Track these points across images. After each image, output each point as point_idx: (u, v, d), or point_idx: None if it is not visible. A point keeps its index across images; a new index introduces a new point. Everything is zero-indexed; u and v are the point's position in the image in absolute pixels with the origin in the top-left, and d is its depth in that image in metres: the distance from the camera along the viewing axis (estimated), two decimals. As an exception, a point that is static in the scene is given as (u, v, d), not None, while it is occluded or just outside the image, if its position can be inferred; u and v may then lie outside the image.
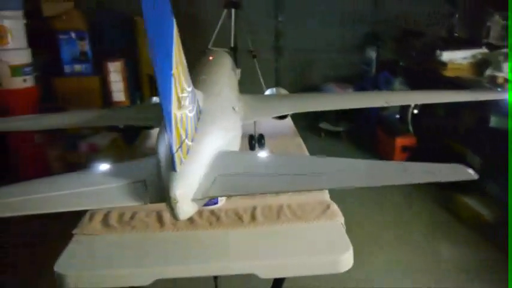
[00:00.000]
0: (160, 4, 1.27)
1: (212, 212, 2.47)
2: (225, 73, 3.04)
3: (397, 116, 6.70)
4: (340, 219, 2.36)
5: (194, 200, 1.49)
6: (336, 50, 8.26)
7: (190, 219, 2.41)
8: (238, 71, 6.67)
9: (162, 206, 1.88)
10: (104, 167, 1.67)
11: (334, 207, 2.46)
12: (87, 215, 2.45)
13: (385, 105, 2.84)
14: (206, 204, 2.52)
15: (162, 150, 1.60)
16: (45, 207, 1.47)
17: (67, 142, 6.07)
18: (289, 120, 4.09)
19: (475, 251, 4.17)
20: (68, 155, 5.97)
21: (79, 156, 6.00)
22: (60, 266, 2.04)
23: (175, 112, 1.42)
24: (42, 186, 1.56)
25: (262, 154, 1.75)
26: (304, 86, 8.73)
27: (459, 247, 4.30)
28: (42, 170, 5.85)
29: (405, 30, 7.36)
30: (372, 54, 7.60)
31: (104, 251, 2.21)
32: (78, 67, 6.71)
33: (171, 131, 1.38)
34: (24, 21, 5.63)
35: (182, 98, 1.48)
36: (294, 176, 1.54)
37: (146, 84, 7.99)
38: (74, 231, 2.33)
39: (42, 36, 6.28)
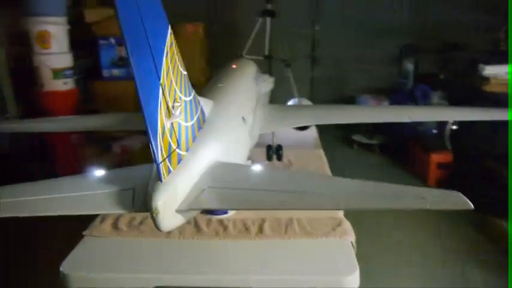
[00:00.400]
0: (146, 14, 1.26)
1: (220, 222, 2.45)
2: (243, 82, 3.02)
3: (434, 131, 6.41)
4: (351, 238, 2.26)
5: (179, 211, 1.47)
6: (372, 61, 8.06)
7: (198, 228, 2.41)
8: (272, 79, 6.68)
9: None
10: (99, 172, 1.69)
11: (346, 225, 2.37)
12: (99, 217, 2.50)
13: (408, 120, 2.71)
14: (216, 214, 2.52)
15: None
16: (32, 211, 1.50)
17: (101, 143, 6.27)
18: (313, 131, 4.02)
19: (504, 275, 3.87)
20: (101, 155, 6.16)
21: (112, 157, 6.18)
22: (66, 266, 2.09)
23: (164, 122, 1.41)
24: (33, 189, 1.59)
25: (257, 168, 1.70)
26: (339, 97, 8.57)
27: (490, 271, 4.00)
28: (77, 169, 6.07)
29: (446, 43, 7.06)
30: (410, 66, 7.34)
31: (110, 254, 2.24)
32: (116, 71, 6.95)
33: (155, 141, 1.37)
34: (67, 27, 5.89)
35: (174, 108, 1.46)
36: (284, 194, 1.48)
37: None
38: (84, 233, 2.39)
39: (83, 42, 6.56)
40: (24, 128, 3.83)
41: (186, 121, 1.62)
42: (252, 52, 7.09)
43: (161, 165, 1.41)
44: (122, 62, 6.95)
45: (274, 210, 2.42)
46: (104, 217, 2.49)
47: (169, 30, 1.48)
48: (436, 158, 6.05)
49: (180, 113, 1.50)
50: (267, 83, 5.35)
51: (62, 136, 6.23)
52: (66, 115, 5.52)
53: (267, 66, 7.50)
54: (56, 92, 6.07)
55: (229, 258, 2.16)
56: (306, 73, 9.09)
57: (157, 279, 2.01)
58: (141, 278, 2.03)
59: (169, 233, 2.36)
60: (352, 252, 2.14)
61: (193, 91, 1.78)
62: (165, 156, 1.42)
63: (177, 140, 1.52)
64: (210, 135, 1.81)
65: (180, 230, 2.38)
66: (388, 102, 7.37)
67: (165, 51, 1.42)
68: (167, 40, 1.45)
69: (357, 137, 7.81)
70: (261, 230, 2.35)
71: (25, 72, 6.05)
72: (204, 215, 2.50)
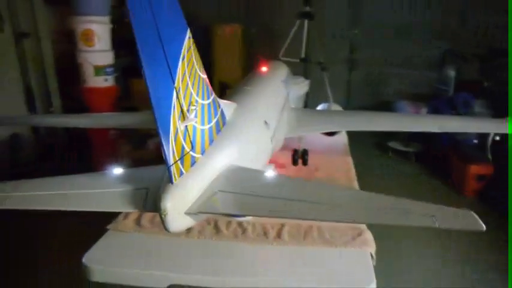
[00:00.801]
0: (161, 19, 1.28)
1: (240, 224, 2.46)
2: (271, 85, 3.01)
3: (475, 141, 6.12)
4: (371, 249, 2.20)
5: (188, 213, 1.48)
6: (412, 66, 7.82)
7: (217, 229, 2.43)
8: (307, 82, 6.63)
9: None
10: (117, 171, 1.74)
11: (367, 235, 2.31)
12: (123, 213, 2.57)
13: (438, 131, 2.61)
14: (236, 216, 2.52)
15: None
16: (49, 204, 1.57)
17: (137, 140, 6.46)
18: (343, 137, 3.95)
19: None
20: (136, 151, 6.34)
21: (146, 154, 6.35)
22: (88, 258, 2.16)
23: (178, 124, 1.42)
24: (48, 184, 1.66)
25: (270, 174, 1.68)
26: (375, 102, 8.38)
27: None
28: (112, 163, 6.28)
29: (493, 49, 6.71)
30: (451, 72, 7.03)
31: (130, 249, 2.30)
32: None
33: (167, 144, 1.39)
34: (110, 26, 6.11)
35: (190, 111, 1.47)
36: (292, 203, 1.45)
37: (217, 90, 8.26)
38: (108, 226, 2.47)
39: (124, 40, 6.78)
40: (63, 122, 4.02)
41: (203, 124, 1.63)
42: (289, 54, 7.09)
43: (172, 168, 1.43)
44: (160, 61, 7.12)
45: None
46: (127, 213, 2.56)
47: (188, 35, 1.49)
48: (475, 169, 5.76)
49: (195, 116, 1.52)
50: (301, 86, 5.31)
51: (100, 131, 6.46)
52: (105, 111, 5.75)
53: (303, 69, 7.49)
54: (96, 88, 6.31)
55: (245, 262, 2.16)
56: (343, 77, 8.96)
57: (173, 278, 2.05)
58: (157, 276, 2.08)
59: (188, 232, 2.40)
60: (371, 264, 2.08)
61: (213, 94, 1.79)
62: (177, 159, 1.44)
63: (191, 143, 1.53)
64: (229, 139, 1.81)
65: (200, 229, 2.41)
66: (425, 110, 7.10)
67: (182, 55, 1.44)
68: (184, 44, 1.46)
69: (392, 144, 7.59)
70: (279, 235, 2.33)
71: (69, 69, 6.35)
72: (225, 217, 2.51)
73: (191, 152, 1.54)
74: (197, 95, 1.56)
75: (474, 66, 6.92)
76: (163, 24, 1.30)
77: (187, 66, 1.48)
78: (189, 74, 1.49)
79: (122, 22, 6.72)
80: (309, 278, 2.01)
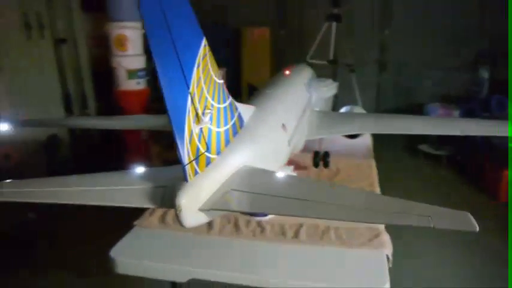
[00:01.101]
0: (175, 29, 1.36)
1: (259, 224, 2.53)
2: (292, 89, 3.06)
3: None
4: (387, 250, 2.22)
5: (202, 210, 1.56)
6: (445, 67, 7.63)
7: (237, 227, 2.51)
8: (335, 84, 6.62)
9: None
10: (140, 169, 1.85)
11: (385, 237, 2.32)
12: (149, 210, 2.70)
13: (460, 134, 2.58)
14: (256, 215, 2.60)
15: None
16: (76, 199, 1.70)
17: (166, 141, 6.65)
18: (367, 139, 3.95)
19: None
20: (165, 152, 6.53)
21: (174, 154, 6.52)
22: (116, 251, 2.30)
23: (192, 127, 1.51)
24: (77, 181, 1.80)
25: (280, 175, 1.74)
26: (406, 104, 8.24)
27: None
28: (143, 163, 6.52)
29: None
30: (485, 73, 6.82)
31: (154, 245, 2.42)
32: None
33: (182, 145, 1.48)
34: (142, 31, 6.34)
35: (205, 114, 1.56)
36: (298, 202, 1.51)
37: (246, 92, 8.38)
38: (134, 223, 2.60)
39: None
40: (96, 124, 4.23)
41: (219, 126, 1.71)
42: (317, 57, 7.10)
43: (187, 167, 1.52)
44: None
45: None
46: (153, 210, 2.69)
47: (203, 43, 1.57)
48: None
49: (210, 120, 1.60)
50: (329, 88, 5.33)
51: (133, 133, 6.71)
52: (137, 113, 5.97)
53: (331, 71, 7.48)
54: (129, 91, 6.57)
55: (262, 260, 2.23)
56: (373, 79, 8.85)
57: (193, 272, 2.14)
58: (178, 270, 2.18)
59: (210, 229, 2.50)
60: (385, 265, 2.10)
61: (230, 98, 1.87)
62: (192, 159, 1.53)
63: (206, 144, 1.62)
64: (244, 141, 1.89)
65: (220, 228, 2.50)
66: (458, 112, 6.92)
67: (197, 62, 1.52)
68: (199, 52, 1.55)
69: (423, 147, 7.44)
70: (297, 235, 2.38)
71: (104, 73, 6.64)
72: (245, 216, 2.59)
73: (206, 153, 1.62)
74: (212, 99, 1.64)
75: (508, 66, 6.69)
76: (178, 34, 1.39)
77: (203, 72, 1.57)
78: (204, 80, 1.58)
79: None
80: (323, 277, 2.06)
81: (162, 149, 6.66)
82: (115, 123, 3.79)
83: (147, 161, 6.67)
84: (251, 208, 1.63)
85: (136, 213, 2.71)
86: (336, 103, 6.94)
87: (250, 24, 8.62)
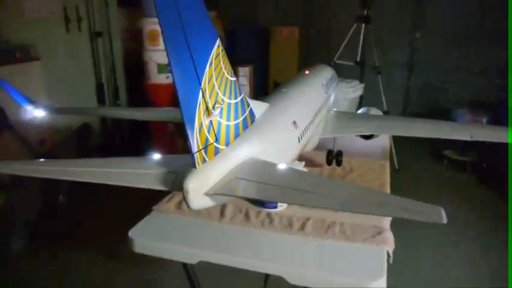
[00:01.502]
0: (189, 30, 1.51)
1: (268, 215, 2.66)
2: (308, 88, 3.17)
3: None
4: (388, 247, 2.30)
5: (208, 194, 1.72)
6: (475, 72, 7.50)
7: (247, 217, 2.66)
8: (361, 85, 6.66)
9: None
10: (156, 156, 2.03)
11: (387, 234, 2.40)
12: (168, 196, 2.89)
13: (470, 139, 2.61)
14: (267, 206, 2.74)
15: None
16: (98, 178, 1.89)
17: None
18: (385, 140, 3.99)
19: None
20: (187, 144, 6.74)
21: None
22: (134, 232, 2.49)
23: (202, 119, 1.66)
24: (101, 162, 1.99)
25: (282, 166, 1.87)
26: (434, 108, 8.13)
27: None
28: (168, 151, 6.78)
29: None
30: (514, 80, 6.66)
31: (170, 228, 2.60)
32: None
33: (192, 135, 1.63)
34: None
35: (215, 108, 1.71)
36: (291, 191, 1.65)
37: (272, 89, 8.50)
38: (153, 207, 2.79)
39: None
40: (125, 115, 4.47)
41: (229, 120, 1.86)
42: (346, 57, 7.14)
43: (196, 155, 1.68)
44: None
45: (320, 209, 2.53)
46: (171, 197, 2.87)
47: (217, 44, 1.72)
48: (533, 183, 5.46)
49: (219, 113, 1.75)
50: (355, 89, 5.39)
51: (160, 125, 6.96)
52: (165, 106, 6.20)
53: (359, 72, 7.50)
54: (158, 84, 6.84)
55: (268, 248, 2.37)
56: (402, 81, 8.79)
57: (202, 255, 2.30)
58: (189, 252, 2.35)
59: (222, 217, 2.66)
60: (384, 260, 2.18)
61: (242, 94, 2.01)
62: (200, 148, 1.69)
63: (215, 135, 1.77)
64: (253, 134, 2.03)
65: (232, 216, 2.65)
66: (486, 119, 6.81)
67: (209, 61, 1.67)
68: (213, 52, 1.69)
69: (447, 153, 7.36)
70: (303, 227, 2.50)
71: (136, 66, 6.93)
72: (256, 207, 2.73)
73: (215, 143, 1.77)
74: (224, 95, 1.79)
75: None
76: (192, 35, 1.53)
77: (215, 70, 1.71)
78: (216, 77, 1.72)
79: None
80: (324, 266, 2.17)
81: (185, 141, 6.86)
82: (144, 114, 4.00)
83: (172, 151, 6.89)
84: (252, 194, 1.77)
85: (156, 198, 2.90)
86: (361, 103, 6.98)
87: (279, 23, 8.72)
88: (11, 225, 4.73)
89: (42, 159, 2.05)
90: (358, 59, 7.10)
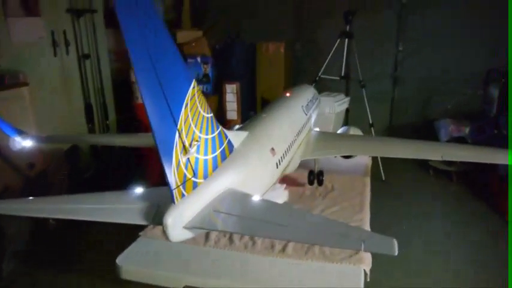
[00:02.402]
0: (164, 76, 1.60)
1: (251, 238, 2.76)
2: (287, 112, 3.28)
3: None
4: (365, 266, 2.40)
5: (187, 228, 1.81)
6: (457, 83, 7.69)
7: (231, 240, 2.75)
8: (347, 99, 6.80)
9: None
10: (138, 189, 2.11)
11: (364, 254, 2.51)
12: (154, 222, 2.97)
13: (441, 159, 2.73)
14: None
15: None
16: (82, 215, 1.97)
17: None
18: (365, 158, 4.12)
19: None
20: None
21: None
22: (121, 259, 2.58)
23: (180, 157, 1.76)
24: (82, 199, 2.07)
25: (256, 198, 1.97)
26: (419, 119, 8.32)
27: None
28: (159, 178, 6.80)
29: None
30: (495, 91, 6.85)
31: (156, 254, 2.68)
32: (200, 87, 7.64)
33: (169, 173, 1.73)
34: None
35: (192, 146, 1.81)
36: (261, 223, 1.75)
37: (260, 105, 8.62)
38: (140, 233, 2.87)
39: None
40: (113, 141, 4.55)
41: (206, 154, 1.95)
42: (331, 72, 7.30)
43: (175, 191, 1.77)
44: (207, 79, 7.65)
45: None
46: (157, 222, 2.95)
47: (192, 85, 1.82)
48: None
49: (196, 151, 1.85)
50: (341, 103, 5.53)
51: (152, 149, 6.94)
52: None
53: (344, 86, 7.67)
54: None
55: (251, 270, 2.46)
56: (387, 94, 8.95)
57: (187, 280, 2.39)
58: (175, 278, 2.44)
59: (206, 241, 2.75)
60: (361, 279, 2.29)
61: (219, 128, 2.11)
62: (178, 184, 1.78)
63: (193, 171, 1.87)
64: (231, 165, 2.12)
65: (216, 240, 2.75)
66: (469, 129, 6.98)
67: (185, 103, 1.76)
68: (188, 93, 1.79)
69: (433, 163, 7.48)
70: (284, 249, 2.60)
71: (123, 86, 7.01)
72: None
73: (193, 178, 1.87)
74: (200, 132, 1.88)
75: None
76: (167, 83, 1.62)
77: (191, 111, 1.80)
78: (192, 117, 1.82)
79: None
80: (303, 287, 2.27)
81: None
82: (132, 140, 4.06)
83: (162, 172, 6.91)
84: (227, 228, 1.87)
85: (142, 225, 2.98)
86: (347, 116, 7.10)
87: (265, 39, 8.85)
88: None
89: (24, 198, 2.12)
90: (343, 74, 7.28)
